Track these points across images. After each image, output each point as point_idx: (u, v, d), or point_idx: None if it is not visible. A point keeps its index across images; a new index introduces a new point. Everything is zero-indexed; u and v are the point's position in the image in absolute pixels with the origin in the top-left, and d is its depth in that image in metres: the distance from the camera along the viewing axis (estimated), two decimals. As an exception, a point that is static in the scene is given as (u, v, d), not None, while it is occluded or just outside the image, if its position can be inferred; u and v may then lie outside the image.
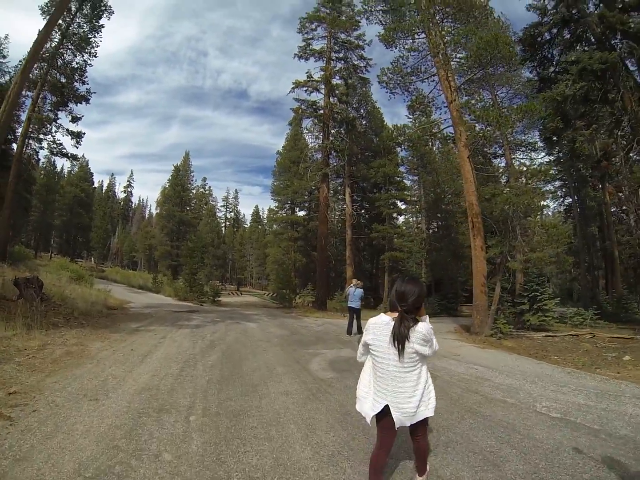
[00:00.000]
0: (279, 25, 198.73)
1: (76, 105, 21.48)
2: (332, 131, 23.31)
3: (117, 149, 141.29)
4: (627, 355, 7.76)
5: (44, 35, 13.38)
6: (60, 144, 21.02)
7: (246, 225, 69.93)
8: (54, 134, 21.17)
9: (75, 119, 21.32)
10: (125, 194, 72.27)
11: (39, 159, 39.29)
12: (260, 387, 4.54)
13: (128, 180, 75.02)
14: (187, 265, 22.71)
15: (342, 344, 8.54)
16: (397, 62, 14.23)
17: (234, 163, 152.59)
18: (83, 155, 51.60)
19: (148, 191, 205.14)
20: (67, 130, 21.21)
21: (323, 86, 22.42)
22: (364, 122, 28.23)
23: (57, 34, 20.43)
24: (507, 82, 15.98)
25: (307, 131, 25.38)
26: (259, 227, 63.32)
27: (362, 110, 28.20)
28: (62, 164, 53.46)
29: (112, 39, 78.99)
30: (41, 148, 21.29)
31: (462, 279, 30.35)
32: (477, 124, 13.68)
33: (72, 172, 51.71)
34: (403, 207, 29.41)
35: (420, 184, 29.62)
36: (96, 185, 66.31)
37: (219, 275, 51.68)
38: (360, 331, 9.65)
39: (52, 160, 50.91)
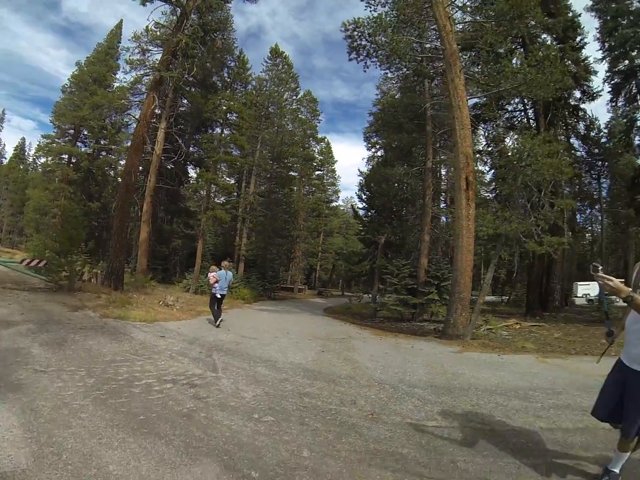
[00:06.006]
0: None
1: None
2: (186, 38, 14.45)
3: None
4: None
5: None
6: None
7: (5, 159, 54.22)
8: None
9: None
10: None
11: None
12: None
13: None
14: None
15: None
16: None
17: (11, 84, 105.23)
18: None
19: None
20: None
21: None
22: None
23: None
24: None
25: (136, 43, 17.25)
26: (21, 166, 49.01)
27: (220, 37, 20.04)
28: None
29: None
30: None
31: (275, 259, 26.93)
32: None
33: None
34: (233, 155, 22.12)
35: (261, 132, 24.71)
36: None
37: None
38: (217, 320, 8.14)
39: None
